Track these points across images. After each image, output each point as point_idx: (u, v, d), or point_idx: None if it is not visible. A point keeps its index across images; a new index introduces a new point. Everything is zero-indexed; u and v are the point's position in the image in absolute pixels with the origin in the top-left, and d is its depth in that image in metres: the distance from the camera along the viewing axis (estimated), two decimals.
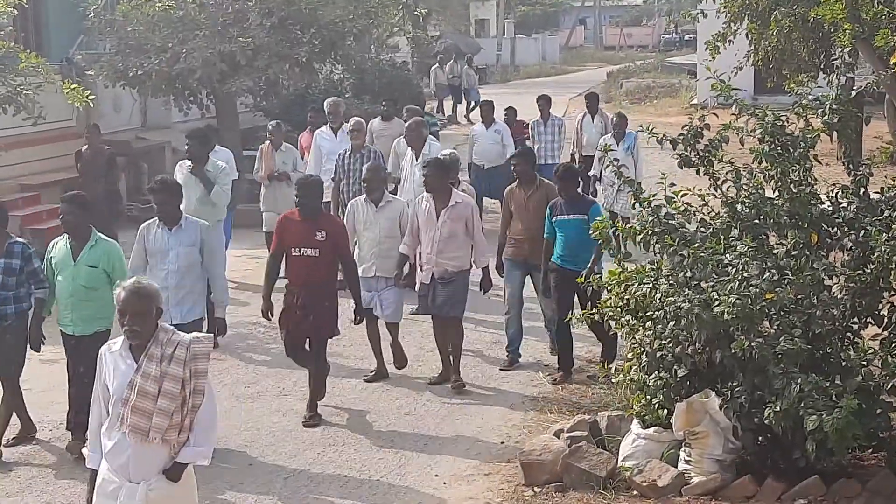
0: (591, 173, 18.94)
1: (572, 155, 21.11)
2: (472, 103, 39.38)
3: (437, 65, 41.44)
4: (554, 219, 12.24)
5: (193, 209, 12.72)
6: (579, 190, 13.36)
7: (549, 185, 12.86)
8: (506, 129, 20.77)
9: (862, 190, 9.59)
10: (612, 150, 15.70)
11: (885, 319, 9.26)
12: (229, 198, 13.92)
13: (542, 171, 19.22)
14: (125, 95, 22.97)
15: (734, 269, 9.02)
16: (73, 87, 16.36)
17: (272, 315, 11.43)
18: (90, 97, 16.39)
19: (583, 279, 10.63)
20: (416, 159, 15.41)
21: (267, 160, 17.21)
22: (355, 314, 11.67)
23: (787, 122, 9.72)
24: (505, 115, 22.69)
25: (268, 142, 17.37)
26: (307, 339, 11.40)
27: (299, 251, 11.19)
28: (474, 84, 41.15)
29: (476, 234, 12.23)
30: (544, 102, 21.28)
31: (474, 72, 42.25)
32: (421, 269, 12.44)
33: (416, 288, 12.61)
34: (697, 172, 9.99)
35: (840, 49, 17.14)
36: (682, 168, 10.08)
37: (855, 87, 11.98)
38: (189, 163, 13.77)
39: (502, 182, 18.27)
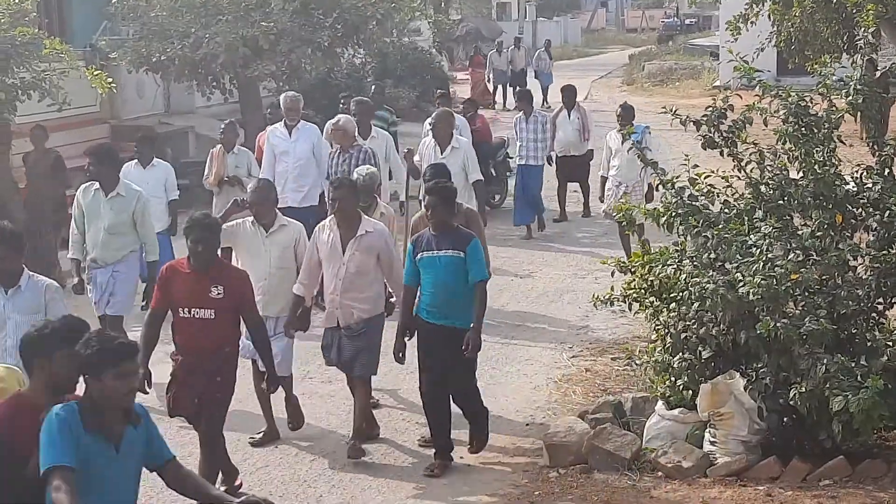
0: (600, 173, 16.58)
1: (548, 157, 19.13)
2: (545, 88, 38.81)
3: (495, 50, 40.52)
4: (418, 257, 9.65)
5: (103, 240, 11.56)
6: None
7: (472, 213, 11.23)
8: (463, 123, 17.84)
9: (886, 170, 9.56)
10: (628, 140, 15.13)
11: None
12: (153, 229, 11.96)
13: (525, 174, 18.66)
14: (148, 81, 23.04)
15: (759, 251, 9.00)
16: (96, 73, 16.40)
17: (150, 387, 9.18)
18: (112, 84, 16.44)
19: (465, 346, 9.41)
20: (442, 153, 14.32)
21: (217, 164, 15.57)
22: (267, 382, 9.54)
23: (811, 102, 9.70)
24: (462, 106, 20.42)
25: (219, 145, 15.79)
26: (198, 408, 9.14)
27: (188, 312, 9.01)
28: (547, 69, 39.89)
29: (393, 271, 10.09)
30: (525, 99, 19.31)
31: (550, 56, 40.85)
32: (321, 309, 10.50)
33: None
34: (721, 154, 9.97)
35: (863, 29, 17.08)
36: (705, 150, 10.06)
37: (879, 68, 11.93)
38: (97, 185, 11.67)
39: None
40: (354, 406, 10.22)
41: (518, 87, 38.69)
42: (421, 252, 9.62)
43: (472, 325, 9.51)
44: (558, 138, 19.24)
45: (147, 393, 8.92)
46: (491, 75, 39.48)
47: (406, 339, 9.87)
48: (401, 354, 9.84)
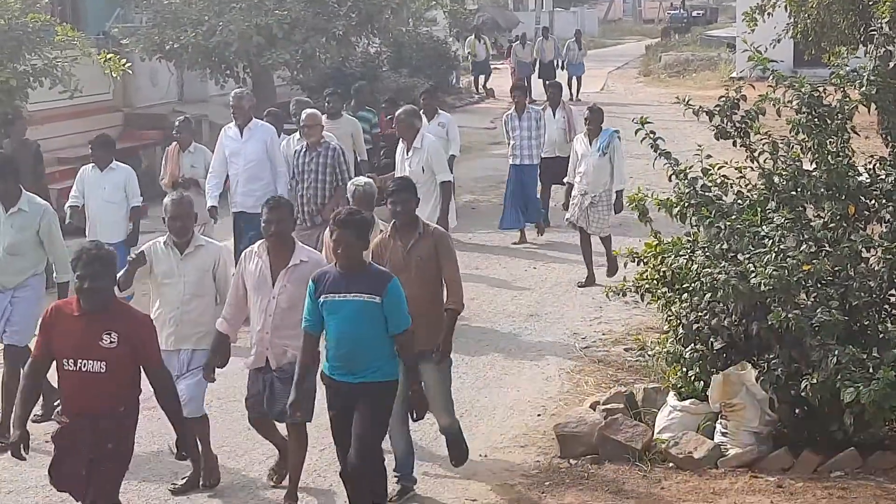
0: (566, 179, 15.51)
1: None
2: (576, 80, 38.15)
3: (518, 41, 39.54)
4: (321, 299, 7.98)
5: (1, 261, 10.27)
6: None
7: (440, 234, 9.23)
8: (450, 121, 17.42)
9: None
10: (597, 144, 14.62)
11: None
12: (63, 246, 10.41)
13: (521, 174, 17.31)
14: (162, 69, 23.05)
15: (771, 241, 8.98)
16: (109, 57, 16.39)
17: (27, 452, 7.51)
18: (128, 66, 16.42)
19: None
20: (408, 153, 13.54)
21: (172, 164, 14.55)
22: (176, 446, 7.75)
23: (825, 93, 9.66)
24: (383, 106, 19.17)
25: (174, 143, 14.75)
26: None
27: (74, 364, 7.30)
28: (579, 59, 38.74)
29: None
30: (520, 93, 17.91)
31: (579, 47, 39.24)
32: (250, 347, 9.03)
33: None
34: (734, 144, 9.94)
35: (879, 21, 16.99)
36: (718, 140, 10.03)
37: (894, 59, 11.88)
38: None
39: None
40: (289, 460, 9.03)
41: (548, 81, 38.59)
42: (325, 294, 7.95)
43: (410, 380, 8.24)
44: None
45: (24, 459, 7.55)
46: (515, 67, 38.21)
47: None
48: (298, 414, 8.32)
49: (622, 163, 14.90)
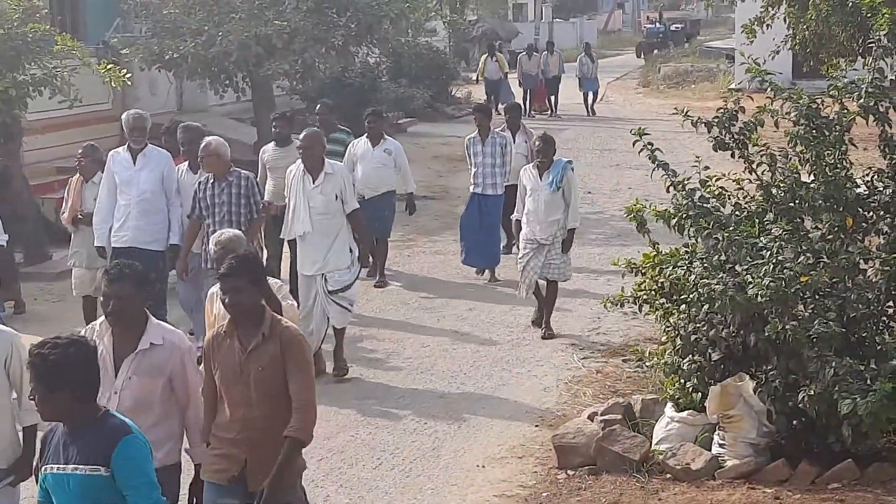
0: (513, 216, 13.77)
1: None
2: (591, 95, 37.39)
3: (525, 53, 38.43)
4: (41, 471, 5.71)
5: None
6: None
7: (291, 337, 6.79)
8: (398, 149, 15.91)
9: None
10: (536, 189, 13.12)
11: None
12: None
13: (482, 205, 15.72)
14: (161, 78, 23.11)
15: (769, 253, 8.98)
16: (109, 67, 16.42)
17: None
18: (127, 76, 16.44)
19: None
20: (314, 181, 11.94)
21: (74, 197, 13.02)
22: None
23: (823, 105, 9.67)
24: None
25: (77, 174, 13.21)
26: None
27: None
28: (593, 73, 37.65)
29: (191, 399, 6.92)
30: (482, 115, 16.28)
31: (592, 60, 38.05)
32: None
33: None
34: (732, 156, 9.95)
35: (878, 33, 17.02)
36: (716, 151, 10.03)
37: (890, 74, 11.89)
38: None
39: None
40: None
41: (553, 96, 37.77)
42: (45, 464, 5.65)
43: None
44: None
45: None
46: (521, 79, 37.60)
47: None
48: None
49: (577, 199, 13.55)
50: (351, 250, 12.04)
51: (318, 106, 16.76)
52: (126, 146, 12.63)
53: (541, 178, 13.17)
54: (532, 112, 36.56)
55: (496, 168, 15.76)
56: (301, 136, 12.23)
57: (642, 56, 60.91)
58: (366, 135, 15.44)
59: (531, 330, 13.56)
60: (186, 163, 12.81)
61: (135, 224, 12.36)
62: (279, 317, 6.97)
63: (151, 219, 12.41)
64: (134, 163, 12.46)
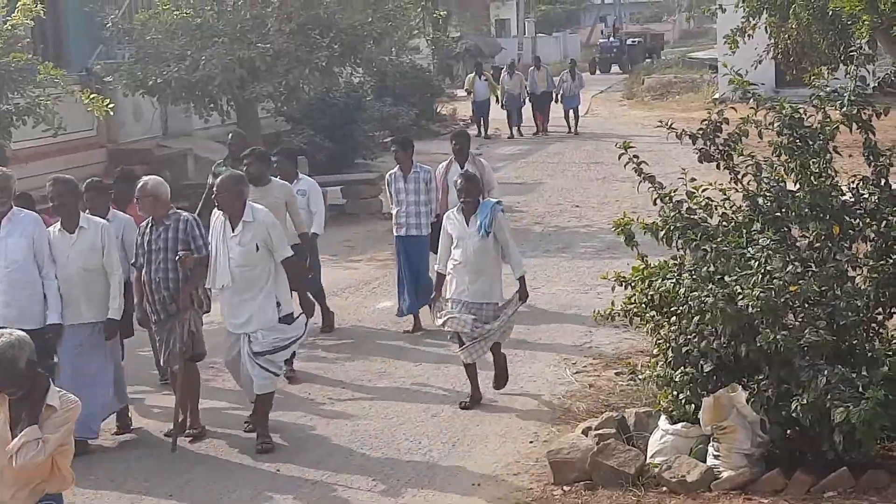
0: (436, 268, 11.90)
1: (432, 224, 14.27)
2: (573, 112, 36.42)
3: (505, 71, 37.49)
4: None
5: None
6: None
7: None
8: (313, 189, 14.07)
9: (883, 181, 9.56)
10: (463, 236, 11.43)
11: None
12: None
13: (408, 247, 14.43)
14: (145, 104, 23.13)
15: (757, 263, 9.00)
16: (92, 96, 16.42)
17: None
18: (110, 106, 16.43)
19: None
20: (233, 229, 10.68)
21: None
22: None
23: (806, 114, 9.71)
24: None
25: None
26: None
27: None
28: (573, 91, 36.50)
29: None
30: (399, 148, 14.69)
31: (573, 77, 36.69)
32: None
33: None
34: (718, 167, 9.97)
35: (859, 40, 17.13)
36: (702, 162, 10.07)
37: (873, 80, 11.96)
38: None
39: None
40: None
41: (540, 113, 36.52)
42: None
43: None
44: (452, 200, 13.44)
45: None
46: (502, 100, 36.41)
47: None
48: None
49: (512, 243, 11.76)
50: (279, 305, 10.72)
51: (231, 136, 15.03)
52: None
53: (468, 224, 11.46)
54: (516, 133, 36.18)
55: (421, 207, 14.43)
56: (217, 180, 11.02)
57: (597, 72, 59.34)
58: (278, 176, 13.45)
59: (523, 346, 13.51)
60: (59, 222, 10.97)
61: (2, 300, 10.55)
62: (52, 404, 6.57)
63: (17, 294, 10.51)
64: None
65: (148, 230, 10.88)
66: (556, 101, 36.68)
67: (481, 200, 11.63)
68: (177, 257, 10.66)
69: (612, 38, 68.55)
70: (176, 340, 10.70)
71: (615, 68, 65.14)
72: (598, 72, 60.74)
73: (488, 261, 11.41)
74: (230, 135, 15.03)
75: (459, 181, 11.64)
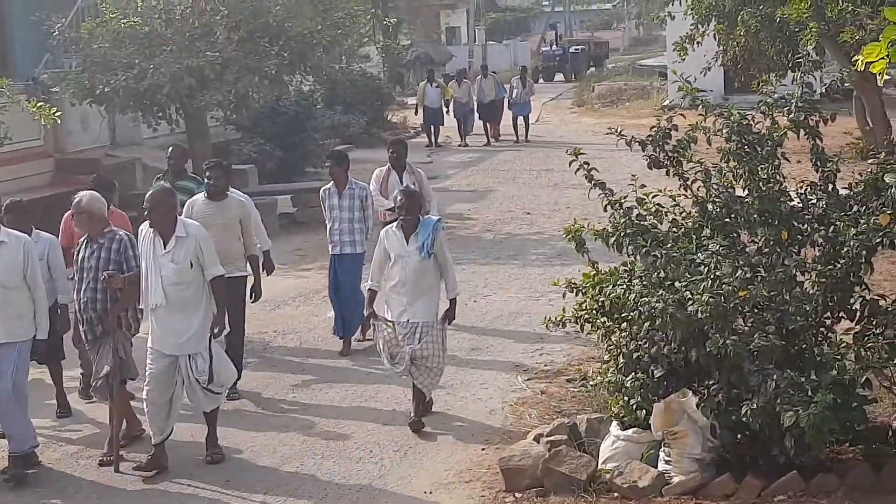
0: (368, 285, 11.45)
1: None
2: (522, 120, 35.94)
3: (455, 80, 37.10)
4: None
5: None
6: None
7: None
8: (247, 201, 12.77)
9: (830, 186, 9.63)
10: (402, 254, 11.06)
11: (857, 313, 9.29)
12: None
13: (340, 267, 14.03)
14: (93, 113, 22.91)
15: (707, 268, 9.04)
16: (39, 105, 16.29)
17: None
18: (58, 115, 16.29)
19: None
20: (165, 246, 10.20)
21: None
22: None
23: (754, 120, 9.77)
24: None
25: None
26: None
27: None
28: (523, 98, 35.94)
29: None
30: (334, 163, 14.15)
31: (524, 85, 36.16)
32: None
33: None
34: (667, 173, 10.01)
35: (806, 47, 17.26)
36: (651, 169, 10.11)
37: (823, 84, 12.06)
38: None
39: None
40: None
41: (489, 122, 36.52)
42: None
43: None
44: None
45: None
46: (452, 108, 36.14)
47: None
48: None
49: (451, 263, 11.44)
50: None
51: (171, 149, 14.10)
52: None
53: (407, 242, 11.08)
54: (465, 143, 35.90)
55: (355, 224, 13.94)
56: (147, 195, 10.54)
57: (540, 80, 58.29)
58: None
59: (475, 353, 13.55)
60: None
61: None
62: None
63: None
64: None
65: (83, 247, 10.55)
66: (508, 108, 36.54)
67: (422, 218, 11.31)
68: (101, 277, 10.31)
69: (554, 47, 67.37)
70: (104, 365, 10.41)
71: (559, 77, 64.53)
72: (541, 80, 59.63)
73: (428, 280, 11.12)
74: (170, 148, 14.20)
75: (400, 198, 11.18)
